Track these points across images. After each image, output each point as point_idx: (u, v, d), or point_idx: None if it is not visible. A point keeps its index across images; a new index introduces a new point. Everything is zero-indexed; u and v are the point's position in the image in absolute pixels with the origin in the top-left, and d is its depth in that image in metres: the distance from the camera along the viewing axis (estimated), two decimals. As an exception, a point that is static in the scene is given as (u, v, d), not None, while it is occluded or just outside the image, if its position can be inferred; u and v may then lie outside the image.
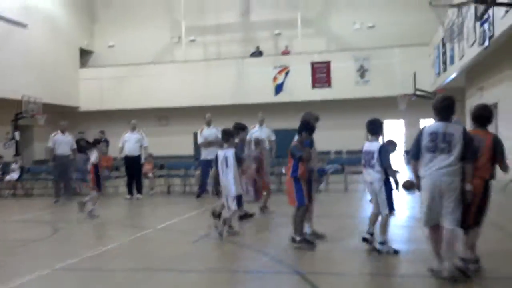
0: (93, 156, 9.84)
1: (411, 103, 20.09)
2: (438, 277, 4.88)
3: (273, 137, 12.91)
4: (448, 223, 4.85)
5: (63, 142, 12.97)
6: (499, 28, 10.81)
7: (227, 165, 7.28)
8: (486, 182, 4.86)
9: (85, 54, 27.16)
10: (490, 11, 9.76)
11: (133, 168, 12.97)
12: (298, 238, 6.39)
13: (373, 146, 6.07)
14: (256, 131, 12.77)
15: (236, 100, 23.70)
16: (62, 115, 21.42)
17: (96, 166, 9.75)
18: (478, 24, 11.76)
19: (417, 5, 22.21)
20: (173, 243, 7.23)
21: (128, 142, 13.10)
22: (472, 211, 4.84)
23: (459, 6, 7.42)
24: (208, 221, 8.04)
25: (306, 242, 6.39)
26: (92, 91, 25.32)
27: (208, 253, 6.58)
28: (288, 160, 6.62)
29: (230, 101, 23.67)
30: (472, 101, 17.38)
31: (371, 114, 21.62)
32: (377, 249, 5.99)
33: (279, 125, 23.27)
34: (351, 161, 14.99)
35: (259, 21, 25.91)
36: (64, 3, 24.86)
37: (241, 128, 8.91)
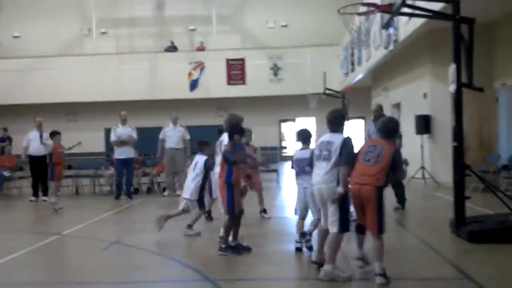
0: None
1: (322, 101, 20.72)
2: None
3: (187, 136, 12.80)
4: (331, 227, 5.12)
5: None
6: (403, 33, 11.47)
7: (193, 170, 7.57)
8: (379, 189, 5.00)
9: (-13, 45, 25.38)
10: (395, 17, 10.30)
11: (38, 168, 12.30)
12: (222, 246, 6.33)
13: (305, 153, 6.09)
14: (169, 130, 12.60)
15: (149, 96, 23.31)
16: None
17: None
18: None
19: (328, 7, 22.87)
20: (80, 252, 6.94)
21: (33, 141, 12.41)
22: (369, 218, 5.02)
23: (365, 14, 7.73)
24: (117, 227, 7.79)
25: (231, 248, 6.32)
26: (-6, 84, 23.72)
27: (118, 262, 6.35)
28: (221, 165, 6.47)
29: (143, 97, 23.23)
30: (378, 100, 18.28)
31: (285, 111, 22.28)
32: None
33: (195, 122, 23.18)
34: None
35: (173, 16, 25.54)
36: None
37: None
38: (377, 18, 11.28)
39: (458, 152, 7.02)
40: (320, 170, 5.21)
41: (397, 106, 15.36)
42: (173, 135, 12.53)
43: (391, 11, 7.07)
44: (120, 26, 25.58)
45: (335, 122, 5.36)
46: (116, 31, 25.67)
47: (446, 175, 10.49)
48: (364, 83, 19.46)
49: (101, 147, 23.58)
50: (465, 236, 6.55)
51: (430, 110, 12.34)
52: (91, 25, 24.80)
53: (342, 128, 5.42)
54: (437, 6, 7.86)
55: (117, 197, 12.02)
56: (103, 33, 25.36)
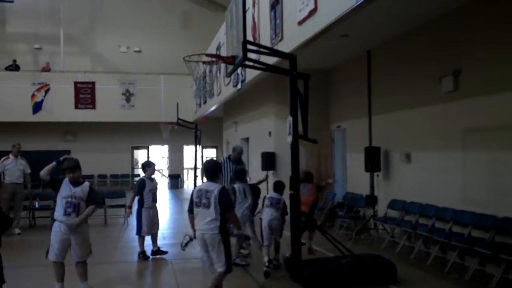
0: None
1: (175, 131, 20.67)
2: None
3: (28, 170, 11.87)
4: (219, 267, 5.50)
5: None
6: (250, 74, 11.92)
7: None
8: None
9: None
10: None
11: None
12: None
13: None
14: (10, 163, 11.54)
15: (-14, 118, 21.19)
16: None
17: None
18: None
19: (181, 36, 23.16)
20: None
21: None
22: None
23: (209, 63, 7.90)
24: None
25: None
26: None
27: None
28: None
29: (-22, 119, 21.06)
30: (229, 132, 18.75)
31: (137, 138, 21.75)
32: None
33: (39, 147, 21.68)
34: (112, 194, 14.62)
35: (16, 32, 23.73)
36: None
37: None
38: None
39: (295, 200, 7.39)
40: (202, 217, 5.43)
41: (246, 140, 15.87)
42: (14, 169, 11.53)
43: (233, 63, 7.29)
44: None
45: (212, 172, 5.68)
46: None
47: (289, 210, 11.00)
48: (217, 114, 19.85)
49: None
50: (300, 281, 6.88)
51: (274, 148, 12.92)
52: None
53: (218, 178, 5.81)
54: (276, 60, 8.32)
55: None
56: None
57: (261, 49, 7.61)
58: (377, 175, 10.11)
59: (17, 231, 11.39)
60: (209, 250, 5.46)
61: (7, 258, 8.81)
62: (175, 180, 24.10)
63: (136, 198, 8.57)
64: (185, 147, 24.75)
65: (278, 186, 7.98)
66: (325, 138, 12.19)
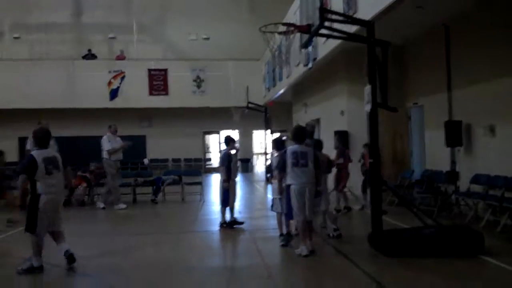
0: None
1: (244, 115, 20.90)
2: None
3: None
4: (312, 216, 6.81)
5: None
6: (322, 51, 11.81)
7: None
8: None
9: None
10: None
11: None
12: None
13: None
14: (113, 142, 11.88)
15: (67, 104, 22.28)
16: None
17: None
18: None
19: (249, 22, 23.23)
20: None
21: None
22: None
23: (285, 33, 7.90)
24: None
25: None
26: None
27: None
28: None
29: (60, 105, 22.14)
30: (298, 115, 18.70)
31: (208, 123, 22.10)
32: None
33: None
34: (189, 172, 15.00)
35: (92, 23, 24.77)
36: None
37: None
38: (297, 36, 11.60)
39: (375, 168, 7.26)
40: (302, 174, 6.57)
41: (317, 121, 15.77)
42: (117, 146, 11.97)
43: (309, 31, 7.25)
44: (35, 32, 24.39)
45: (302, 136, 6.82)
46: (30, 36, 24.43)
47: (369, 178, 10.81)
48: (286, 98, 19.85)
49: (15, 157, 22.16)
50: (382, 249, 6.76)
51: (347, 127, 12.74)
52: (4, 30, 23.46)
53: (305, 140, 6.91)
54: (352, 29, 8.18)
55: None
56: (16, 38, 24.10)
57: (339, 17, 7.51)
58: (458, 150, 9.74)
59: (121, 205, 11.74)
60: (307, 199, 6.51)
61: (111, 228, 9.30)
62: (245, 164, 24.41)
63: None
64: (254, 132, 24.99)
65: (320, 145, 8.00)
66: (400, 115, 11.86)
